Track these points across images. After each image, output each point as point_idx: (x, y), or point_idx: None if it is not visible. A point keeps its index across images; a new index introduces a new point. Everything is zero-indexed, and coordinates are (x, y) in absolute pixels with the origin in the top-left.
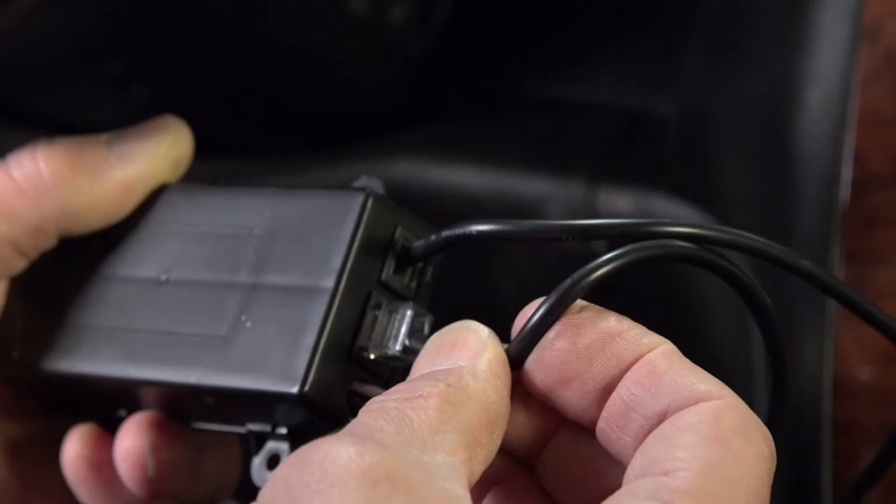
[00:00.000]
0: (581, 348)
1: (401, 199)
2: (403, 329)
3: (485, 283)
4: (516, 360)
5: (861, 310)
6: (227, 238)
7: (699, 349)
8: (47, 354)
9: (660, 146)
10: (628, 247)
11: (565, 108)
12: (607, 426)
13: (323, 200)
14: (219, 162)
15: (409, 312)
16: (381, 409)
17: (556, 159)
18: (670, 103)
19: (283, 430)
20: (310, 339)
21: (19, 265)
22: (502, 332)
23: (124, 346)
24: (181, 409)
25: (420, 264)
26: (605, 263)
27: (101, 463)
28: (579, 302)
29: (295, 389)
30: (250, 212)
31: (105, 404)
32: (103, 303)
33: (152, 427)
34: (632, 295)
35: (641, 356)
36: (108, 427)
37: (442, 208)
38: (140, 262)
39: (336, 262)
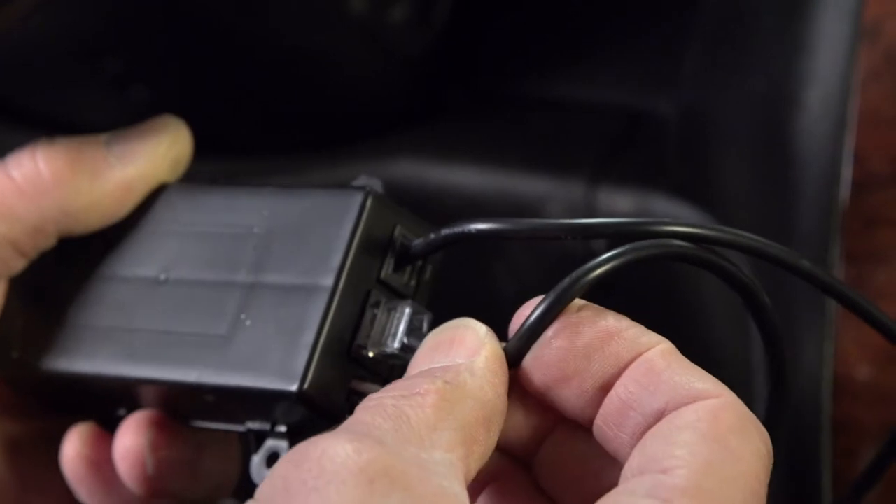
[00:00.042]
0: (579, 347)
1: (401, 199)
2: (402, 327)
3: (484, 281)
4: (514, 358)
5: (861, 310)
6: (226, 237)
7: (698, 349)
8: (47, 354)
9: (660, 146)
10: (627, 246)
11: (565, 108)
12: (605, 424)
13: (322, 199)
14: (219, 162)
15: (407, 310)
16: (378, 406)
17: (556, 159)
18: (670, 103)
19: (283, 429)
20: (309, 338)
21: (19, 265)
22: (501, 330)
23: (124, 346)
24: (181, 407)
25: (419, 263)
26: (604, 263)
27: (101, 462)
28: (578, 301)
29: (294, 387)
30: (249, 211)
31: (104, 403)
32: (103, 302)
33: (151, 426)
34: (631, 294)
35: (640, 355)
36: (108, 426)
37: (442, 208)
38: (139, 262)
39: (335, 261)
